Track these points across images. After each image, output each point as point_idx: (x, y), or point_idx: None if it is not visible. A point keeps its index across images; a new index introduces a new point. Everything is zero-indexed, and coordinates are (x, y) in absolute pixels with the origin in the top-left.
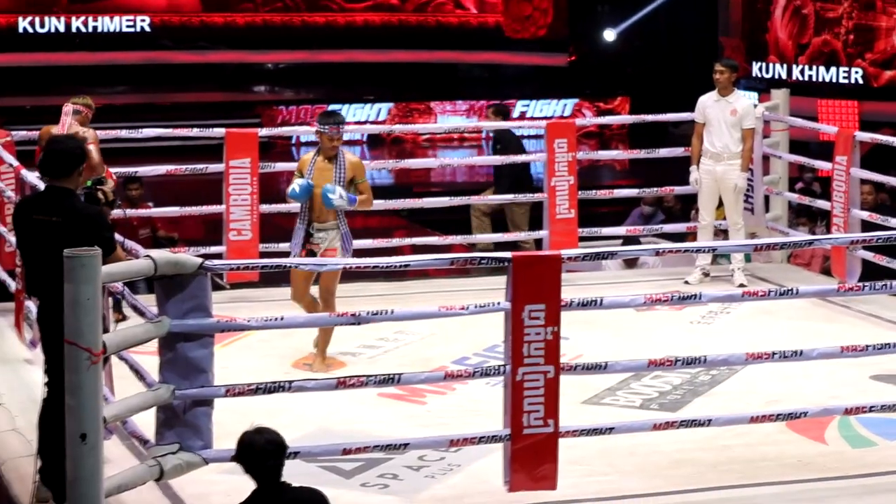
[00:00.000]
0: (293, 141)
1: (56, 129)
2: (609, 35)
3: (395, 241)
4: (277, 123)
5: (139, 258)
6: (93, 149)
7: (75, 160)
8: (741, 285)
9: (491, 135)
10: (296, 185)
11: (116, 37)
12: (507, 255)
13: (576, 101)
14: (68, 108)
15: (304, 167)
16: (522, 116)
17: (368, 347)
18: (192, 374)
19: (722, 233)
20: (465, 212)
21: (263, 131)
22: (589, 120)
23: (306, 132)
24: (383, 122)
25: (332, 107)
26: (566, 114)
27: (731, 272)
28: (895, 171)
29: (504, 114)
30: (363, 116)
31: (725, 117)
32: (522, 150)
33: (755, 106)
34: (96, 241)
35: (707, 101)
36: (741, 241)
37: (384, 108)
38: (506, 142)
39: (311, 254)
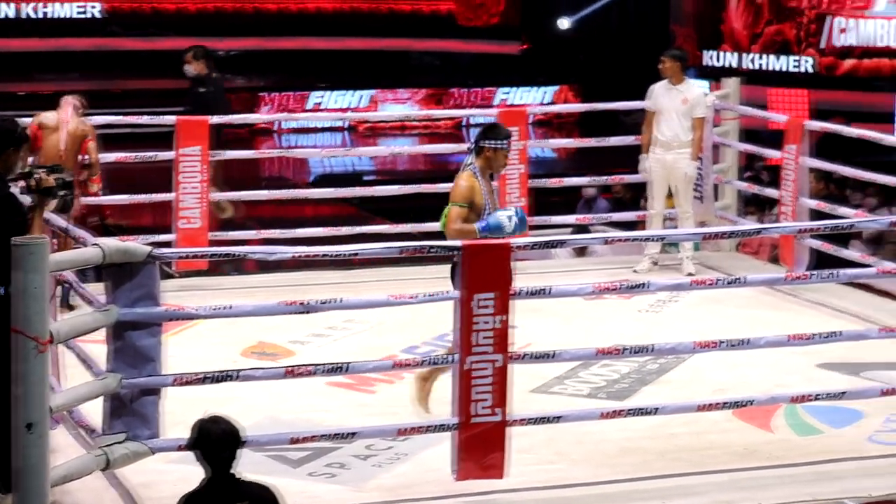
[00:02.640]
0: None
1: (51, 116)
2: (563, 23)
3: (345, 230)
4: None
5: (88, 246)
6: (93, 146)
7: (3, 141)
8: (690, 274)
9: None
10: (503, 216)
11: (67, 23)
12: (457, 243)
13: (556, 88)
14: (69, 98)
15: (477, 195)
16: (503, 104)
17: (317, 336)
18: (140, 363)
19: (671, 221)
20: (415, 200)
21: (214, 119)
22: (540, 108)
23: (257, 119)
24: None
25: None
26: (546, 100)
27: (679, 261)
28: (845, 160)
29: (208, 57)
30: (345, 103)
31: (676, 106)
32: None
33: (706, 95)
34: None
35: (658, 89)
36: (690, 229)
37: (366, 95)
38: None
39: None
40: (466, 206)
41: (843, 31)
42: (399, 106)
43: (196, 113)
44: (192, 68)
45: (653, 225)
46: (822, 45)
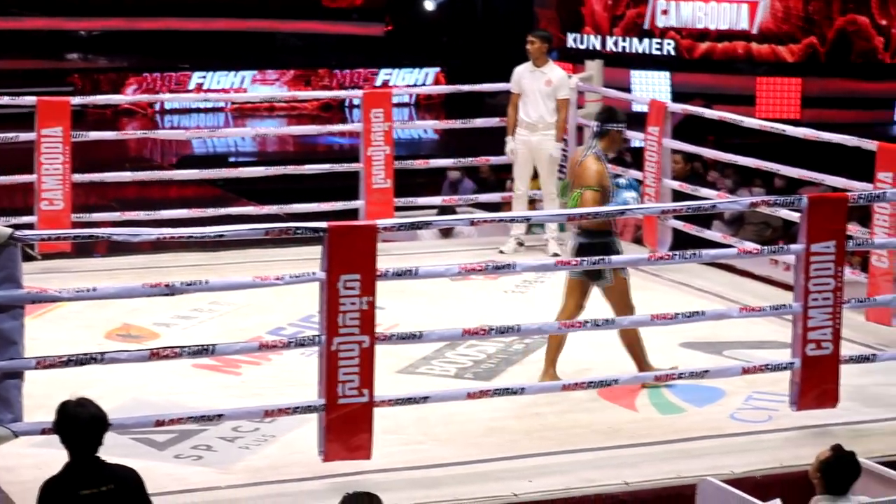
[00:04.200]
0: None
1: None
2: (428, 5)
3: (210, 212)
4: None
5: None
6: None
7: None
8: (555, 254)
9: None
10: (630, 197)
11: None
12: (323, 224)
13: (436, 69)
14: None
15: (605, 178)
16: (385, 84)
17: (183, 318)
18: (1, 346)
19: (536, 202)
20: (281, 182)
21: (76, 100)
22: (406, 90)
23: (121, 100)
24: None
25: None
26: (428, 82)
27: (545, 242)
28: (706, 142)
29: None
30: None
31: (540, 88)
32: None
33: (570, 77)
34: None
35: (522, 71)
36: (555, 210)
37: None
38: None
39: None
40: (600, 190)
41: (664, 12)
42: (267, 87)
43: None
44: None
45: (518, 206)
46: (647, 26)
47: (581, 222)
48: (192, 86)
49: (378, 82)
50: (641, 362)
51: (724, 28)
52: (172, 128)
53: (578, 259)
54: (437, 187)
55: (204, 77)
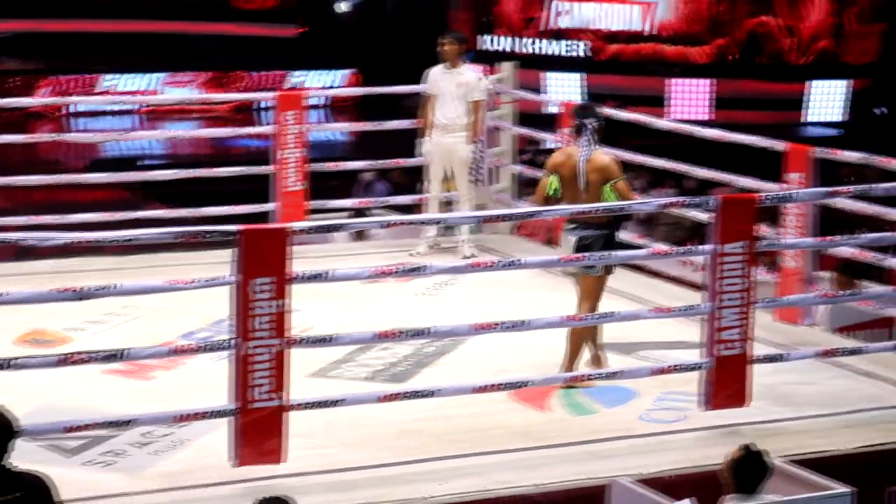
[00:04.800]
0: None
1: None
2: (340, 7)
3: (121, 215)
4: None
5: None
6: None
7: None
8: (467, 256)
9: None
10: None
11: None
12: (235, 228)
13: (349, 71)
14: None
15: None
16: (295, 87)
17: (94, 323)
18: None
19: (449, 205)
20: (193, 185)
21: None
22: (320, 92)
23: (29, 103)
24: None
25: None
26: (339, 84)
27: (457, 244)
28: (619, 144)
29: None
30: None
31: (454, 90)
32: None
33: (482, 79)
34: None
35: (436, 73)
36: (468, 212)
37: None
38: None
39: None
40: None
41: (565, 13)
42: (181, 89)
43: None
44: None
45: (431, 208)
46: (542, 27)
47: (588, 216)
48: (101, 88)
49: (288, 85)
50: (572, 361)
51: (619, 29)
52: (83, 130)
53: (490, 260)
54: (351, 190)
55: (115, 79)
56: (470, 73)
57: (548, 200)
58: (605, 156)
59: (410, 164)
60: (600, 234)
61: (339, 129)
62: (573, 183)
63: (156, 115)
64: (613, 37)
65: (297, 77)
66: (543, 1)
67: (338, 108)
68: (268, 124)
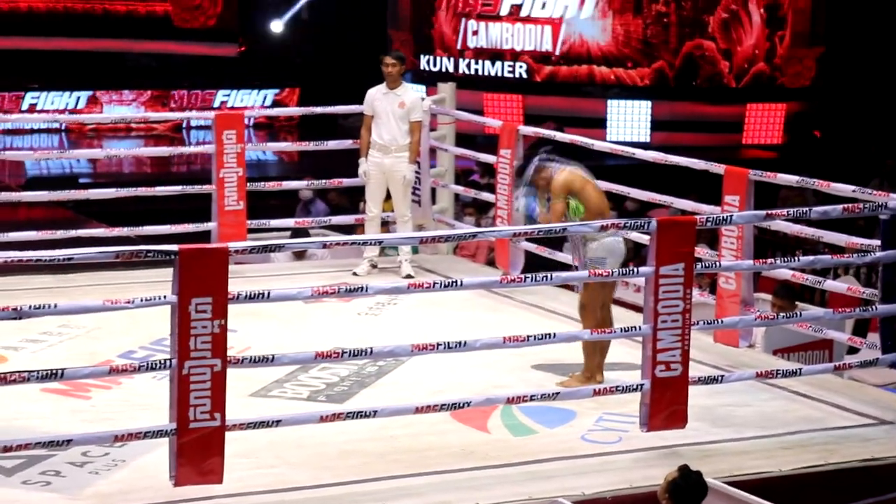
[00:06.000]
0: None
1: None
2: (277, 26)
3: (60, 233)
4: None
5: None
6: None
7: None
8: (408, 276)
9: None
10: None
11: None
12: (174, 247)
13: (276, 91)
14: None
15: None
16: (223, 106)
17: (31, 342)
18: None
19: (390, 224)
20: (133, 204)
21: None
22: (258, 111)
23: None
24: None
25: None
26: (267, 103)
27: (398, 264)
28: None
29: None
30: (61, 104)
31: (394, 110)
32: None
33: (423, 99)
34: None
35: (375, 93)
36: (408, 233)
37: (83, 96)
38: None
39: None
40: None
41: (475, 33)
42: (123, 107)
43: None
44: None
45: (371, 228)
46: (459, 45)
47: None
48: (25, 106)
49: (216, 104)
50: (595, 362)
51: (528, 49)
52: (8, 148)
53: (431, 281)
54: (291, 209)
55: (37, 98)
56: (410, 93)
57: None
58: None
59: (350, 184)
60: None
61: (279, 149)
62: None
63: (99, 133)
64: (547, 58)
65: (223, 96)
66: (459, 22)
67: (277, 128)
68: (197, 144)
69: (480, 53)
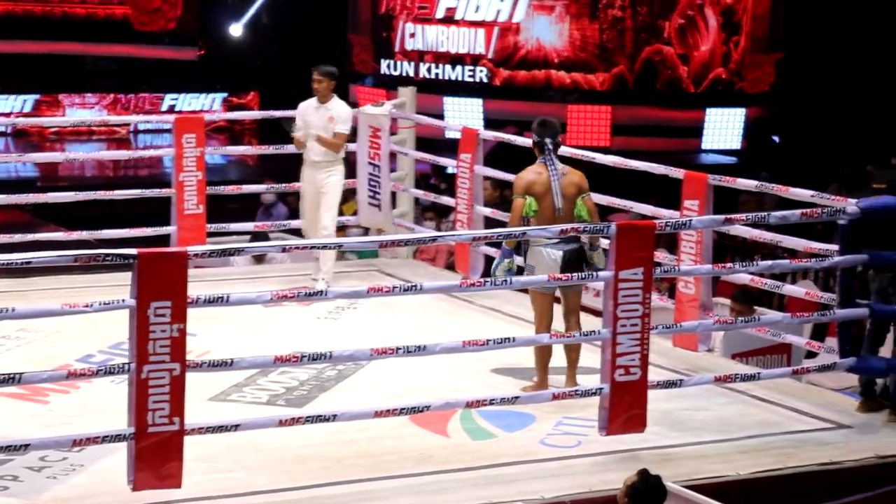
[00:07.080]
0: None
1: None
2: (236, 30)
3: (18, 237)
4: None
5: None
6: None
7: None
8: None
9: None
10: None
11: None
12: (133, 251)
13: (225, 94)
14: None
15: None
16: (171, 110)
17: None
18: None
19: (346, 229)
20: (92, 207)
21: None
22: (218, 115)
23: None
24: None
25: None
26: (215, 107)
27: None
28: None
29: None
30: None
31: (324, 125)
32: None
33: (383, 104)
34: None
35: (307, 108)
36: (367, 237)
37: (29, 99)
38: None
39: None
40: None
41: (412, 35)
42: (85, 111)
43: None
44: None
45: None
46: (396, 48)
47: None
48: None
49: (164, 108)
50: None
51: (461, 52)
52: None
53: (390, 285)
54: (251, 213)
55: None
56: (339, 107)
57: (522, 221)
58: (575, 171)
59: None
60: (579, 246)
61: (238, 153)
62: (547, 201)
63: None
64: (505, 61)
65: (170, 100)
66: (395, 23)
67: (237, 131)
68: (144, 148)
69: (440, 58)
